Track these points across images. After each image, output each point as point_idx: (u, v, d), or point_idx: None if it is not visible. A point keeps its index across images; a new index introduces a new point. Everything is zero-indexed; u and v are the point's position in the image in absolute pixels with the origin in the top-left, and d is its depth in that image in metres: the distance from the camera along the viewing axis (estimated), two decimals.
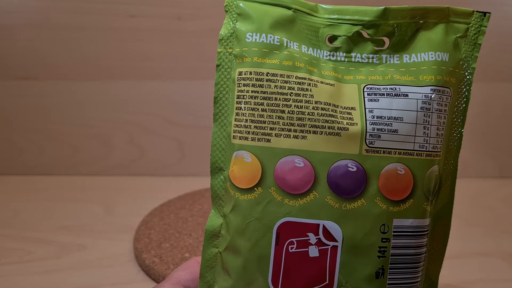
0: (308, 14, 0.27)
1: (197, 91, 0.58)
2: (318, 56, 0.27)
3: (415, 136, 0.25)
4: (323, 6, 0.27)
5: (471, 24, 0.27)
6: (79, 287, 0.39)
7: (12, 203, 0.54)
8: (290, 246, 0.25)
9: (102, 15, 0.56)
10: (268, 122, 0.25)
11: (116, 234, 0.47)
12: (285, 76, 0.25)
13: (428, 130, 0.25)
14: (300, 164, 0.25)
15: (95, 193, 0.56)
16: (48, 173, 0.61)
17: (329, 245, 0.25)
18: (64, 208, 0.53)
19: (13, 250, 0.44)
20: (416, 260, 0.26)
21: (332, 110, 0.25)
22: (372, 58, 0.27)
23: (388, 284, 0.25)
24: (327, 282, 0.25)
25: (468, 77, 0.27)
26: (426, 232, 0.26)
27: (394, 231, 0.25)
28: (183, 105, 0.59)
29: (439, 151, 0.26)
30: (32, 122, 0.60)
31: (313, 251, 0.25)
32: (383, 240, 0.25)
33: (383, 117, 0.25)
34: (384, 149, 0.25)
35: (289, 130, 0.25)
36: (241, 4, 0.26)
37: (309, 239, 0.25)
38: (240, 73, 0.26)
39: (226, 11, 0.27)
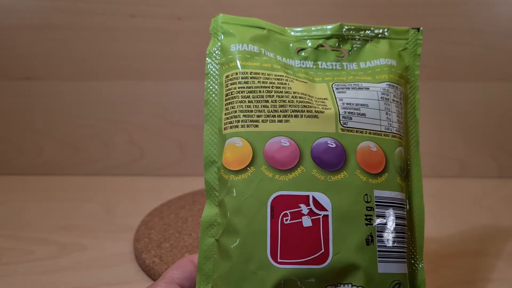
0: (279, 33, 0.32)
1: (197, 91, 0.58)
2: (291, 64, 0.32)
3: (380, 119, 0.29)
4: (290, 28, 0.33)
5: (409, 39, 0.32)
6: (79, 287, 0.39)
7: (12, 203, 0.54)
8: (284, 218, 0.27)
9: (102, 15, 0.56)
10: (255, 111, 0.28)
11: (116, 234, 0.47)
12: (266, 74, 0.30)
13: (390, 116, 0.30)
14: (286, 143, 0.28)
15: (95, 193, 0.56)
16: (48, 173, 0.61)
17: (320, 214, 0.27)
18: (64, 208, 0.53)
19: (13, 250, 0.44)
20: (400, 230, 0.28)
21: (308, 99, 0.29)
22: (335, 65, 0.32)
23: (379, 251, 0.27)
24: (322, 250, 0.26)
25: (414, 81, 0.32)
26: (403, 205, 0.29)
27: (376, 201, 0.28)
28: (183, 105, 0.59)
29: (402, 136, 0.30)
30: (32, 122, 0.60)
31: (307, 221, 0.27)
32: (368, 208, 0.27)
33: (351, 104, 0.29)
34: (357, 129, 0.29)
35: (274, 116, 0.28)
36: (224, 26, 0.31)
37: (302, 210, 0.27)
38: (227, 76, 0.30)
39: (211, 34, 0.31)
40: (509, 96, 0.57)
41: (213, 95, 0.30)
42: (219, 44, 0.31)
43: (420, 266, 0.29)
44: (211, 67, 0.31)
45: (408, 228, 0.29)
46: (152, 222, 0.47)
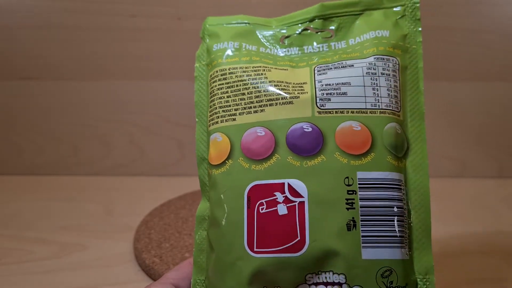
0: (264, 25, 0.32)
1: None
2: (274, 53, 0.31)
3: (365, 96, 0.28)
4: (276, 18, 0.32)
5: (405, 5, 0.30)
6: (79, 287, 0.39)
7: (12, 203, 0.54)
8: (260, 207, 0.26)
9: (102, 15, 0.56)
10: (233, 105, 0.29)
11: (116, 234, 0.47)
12: (243, 68, 0.30)
13: (377, 91, 0.28)
14: (261, 133, 0.28)
15: (95, 193, 0.56)
16: (48, 173, 0.61)
17: (295, 201, 0.26)
18: (64, 208, 0.53)
19: (13, 250, 0.44)
20: (393, 213, 0.26)
21: (284, 86, 0.29)
22: (322, 47, 0.31)
23: (363, 236, 0.25)
24: (298, 238, 0.26)
25: (416, 49, 0.30)
26: (396, 185, 0.27)
27: (359, 183, 0.26)
28: (183, 105, 0.59)
29: (397, 111, 0.28)
30: (32, 122, 0.60)
31: (282, 209, 0.26)
32: (349, 192, 0.26)
33: (331, 84, 0.28)
34: (336, 110, 0.28)
35: (250, 107, 0.28)
36: (210, 28, 0.32)
37: (277, 198, 0.26)
38: (210, 76, 0.30)
39: (201, 38, 0.32)
40: (509, 96, 0.57)
41: (202, 96, 0.31)
42: (205, 46, 0.32)
43: (426, 251, 0.27)
44: (199, 69, 0.32)
45: (411, 209, 0.27)
46: (152, 222, 0.47)
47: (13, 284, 0.39)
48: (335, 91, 0.28)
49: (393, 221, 0.26)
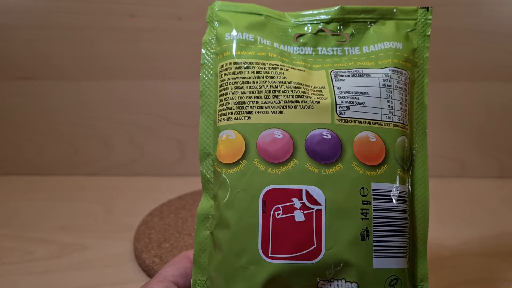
0: (277, 19, 0.31)
1: (197, 91, 0.58)
2: (288, 51, 0.30)
3: (381, 108, 0.28)
4: (290, 13, 0.31)
5: (417, 20, 0.31)
6: (79, 287, 0.39)
7: (12, 203, 0.54)
8: (276, 212, 0.26)
9: (102, 15, 0.56)
10: (248, 102, 0.28)
11: (116, 234, 0.47)
12: (260, 64, 0.29)
13: (392, 103, 0.28)
14: (279, 135, 0.27)
15: (95, 193, 0.56)
16: (48, 173, 0.61)
17: (313, 208, 0.26)
18: (64, 208, 0.53)
19: (13, 250, 0.44)
20: (400, 224, 0.27)
21: (303, 88, 0.28)
22: (336, 50, 0.31)
23: (374, 246, 0.26)
24: (315, 245, 0.26)
25: (423, 65, 0.30)
26: (404, 198, 0.28)
27: (373, 194, 0.27)
28: (183, 105, 0.59)
29: (406, 124, 0.29)
30: (32, 122, 0.60)
31: (299, 216, 0.26)
32: (364, 202, 0.26)
33: (350, 92, 0.28)
34: (354, 119, 0.28)
35: (267, 107, 0.28)
36: (220, 14, 0.30)
37: (294, 204, 0.26)
38: (221, 66, 0.29)
39: (208, 23, 0.31)
40: (509, 96, 0.57)
41: (208, 86, 0.30)
42: (214, 33, 0.30)
43: (423, 259, 0.28)
44: (206, 57, 0.30)
45: (411, 220, 0.28)
46: (152, 222, 0.47)
47: (13, 284, 0.39)
48: (353, 100, 0.28)
49: (400, 231, 0.27)
